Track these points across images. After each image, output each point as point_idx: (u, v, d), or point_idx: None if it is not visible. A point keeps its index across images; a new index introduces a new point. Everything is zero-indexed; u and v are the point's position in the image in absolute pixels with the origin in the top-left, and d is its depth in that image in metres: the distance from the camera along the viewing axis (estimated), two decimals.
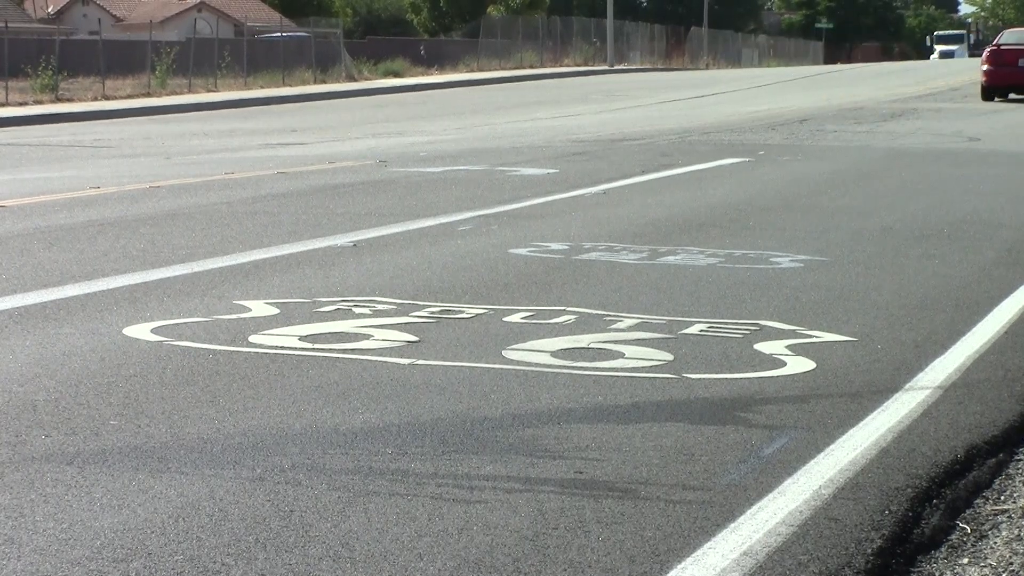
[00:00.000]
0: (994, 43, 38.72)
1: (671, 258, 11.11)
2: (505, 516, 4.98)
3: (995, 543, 5.06)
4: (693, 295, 9.49)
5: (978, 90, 38.95)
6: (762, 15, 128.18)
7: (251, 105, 40.99)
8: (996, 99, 38.07)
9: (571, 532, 4.85)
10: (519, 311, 8.74)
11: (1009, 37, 39.77)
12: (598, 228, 12.95)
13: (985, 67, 37.81)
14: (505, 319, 8.49)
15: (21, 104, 38.10)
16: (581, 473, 5.49)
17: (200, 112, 37.73)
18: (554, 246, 11.66)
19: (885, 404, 6.67)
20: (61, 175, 18.41)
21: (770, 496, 5.26)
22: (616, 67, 71.53)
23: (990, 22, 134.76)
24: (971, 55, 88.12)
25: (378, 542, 4.71)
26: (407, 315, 8.53)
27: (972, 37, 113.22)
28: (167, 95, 43.34)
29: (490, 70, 65.13)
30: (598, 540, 4.78)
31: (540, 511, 5.04)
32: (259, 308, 8.70)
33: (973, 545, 5.07)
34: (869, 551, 4.80)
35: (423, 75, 59.76)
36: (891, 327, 8.51)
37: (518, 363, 7.32)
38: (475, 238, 12.17)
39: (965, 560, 4.92)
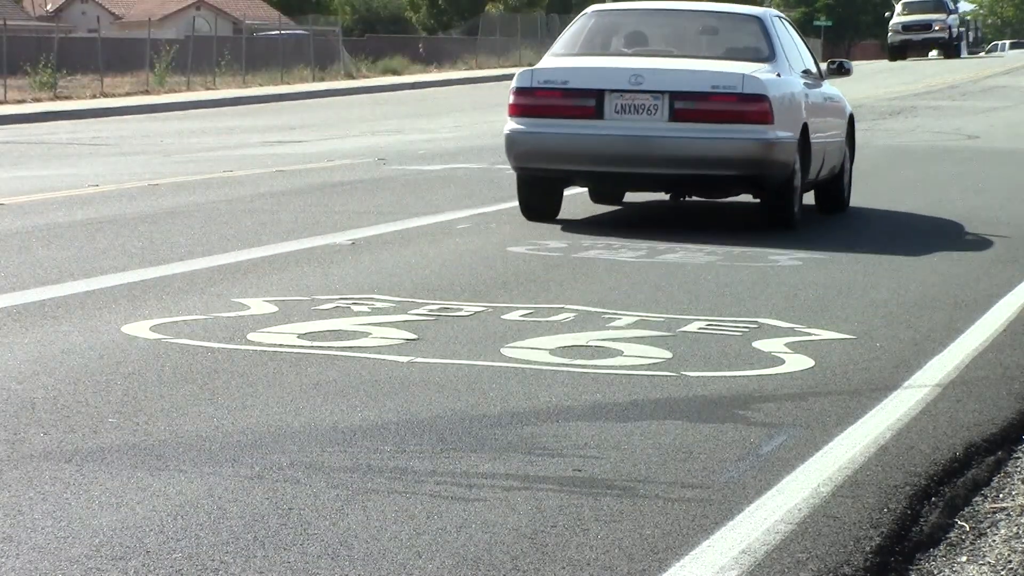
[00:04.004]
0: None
1: (670, 256, 11.10)
2: (504, 514, 4.98)
3: (994, 541, 5.06)
4: (692, 293, 9.49)
5: (977, 88, 38.26)
6: None
7: (250, 103, 40.97)
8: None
9: (570, 530, 4.85)
10: (518, 309, 8.74)
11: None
12: (597, 226, 12.94)
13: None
14: (504, 317, 8.49)
15: (20, 102, 38.06)
16: (580, 471, 5.48)
17: (199, 110, 37.71)
18: (552, 244, 11.66)
19: (884, 402, 6.67)
20: (60, 173, 18.40)
21: (769, 494, 5.25)
22: None
23: (989, 19, 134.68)
24: (970, 53, 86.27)
25: (376, 540, 4.71)
26: (406, 313, 8.52)
27: (971, 35, 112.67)
28: (166, 93, 43.32)
29: (489, 68, 65.06)
30: (597, 538, 4.78)
31: (539, 509, 5.04)
32: (258, 306, 8.70)
33: (972, 543, 5.07)
34: (868, 549, 4.80)
35: (422, 73, 59.72)
36: (890, 325, 8.51)
37: (517, 361, 7.31)
38: (474, 236, 12.17)
39: (964, 558, 4.92)
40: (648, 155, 12.51)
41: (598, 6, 14.39)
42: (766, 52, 13.09)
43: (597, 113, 12.54)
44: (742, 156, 12.40)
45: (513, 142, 12.84)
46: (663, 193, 14.03)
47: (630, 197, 14.66)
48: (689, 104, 12.43)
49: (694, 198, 14.16)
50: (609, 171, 12.91)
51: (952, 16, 65.51)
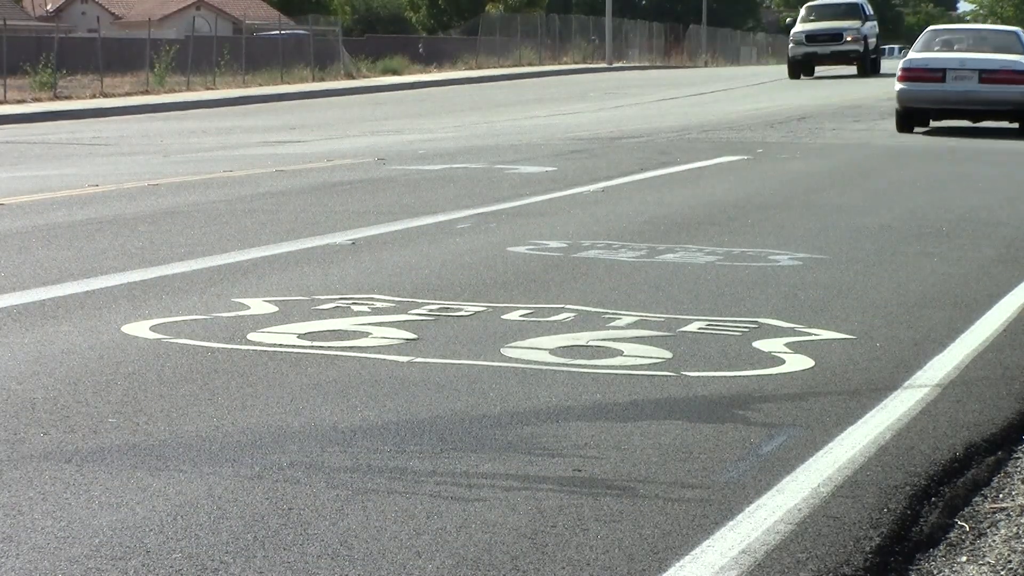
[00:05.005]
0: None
1: (670, 256, 11.10)
2: (504, 514, 4.98)
3: (994, 541, 5.06)
4: (692, 293, 9.48)
5: None
6: (761, 13, 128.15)
7: (250, 103, 40.98)
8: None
9: (570, 530, 4.85)
10: (518, 309, 8.74)
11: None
12: (597, 226, 12.95)
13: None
14: (504, 317, 8.49)
15: (20, 102, 38.09)
16: (580, 471, 5.49)
17: (199, 110, 37.72)
18: (553, 244, 11.66)
19: (884, 402, 6.67)
20: (60, 173, 18.40)
21: (769, 494, 5.25)
22: (615, 65, 71.50)
23: (988, 20, 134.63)
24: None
25: (376, 540, 4.71)
26: (406, 313, 8.52)
27: None
28: (166, 93, 43.34)
29: (489, 68, 65.11)
30: (597, 538, 4.78)
31: (539, 509, 5.04)
32: (258, 306, 8.70)
33: (972, 543, 5.07)
34: (868, 549, 4.80)
35: (422, 73, 59.74)
36: (890, 325, 8.51)
37: (517, 361, 7.31)
38: (474, 236, 12.17)
39: (964, 558, 4.92)
40: (968, 100, 26.13)
41: (934, 27, 29.40)
42: (1022, 50, 26.80)
43: (942, 80, 26.15)
44: (1014, 100, 26.08)
45: (901, 94, 26.42)
46: (966, 120, 27.40)
47: (629, 196, 15.25)
48: (989, 75, 26.02)
49: (986, 123, 27.39)
50: (947, 108, 26.47)
51: (868, 24, 53.48)
